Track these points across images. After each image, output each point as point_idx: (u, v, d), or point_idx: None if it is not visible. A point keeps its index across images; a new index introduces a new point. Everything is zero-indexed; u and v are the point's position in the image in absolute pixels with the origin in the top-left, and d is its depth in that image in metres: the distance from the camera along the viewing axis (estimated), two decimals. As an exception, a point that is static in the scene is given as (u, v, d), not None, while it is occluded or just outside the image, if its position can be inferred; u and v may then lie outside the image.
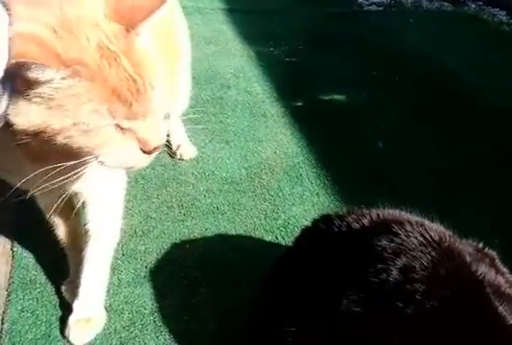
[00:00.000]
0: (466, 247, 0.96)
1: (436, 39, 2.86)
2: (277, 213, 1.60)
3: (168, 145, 1.84)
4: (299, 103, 2.20)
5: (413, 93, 2.30)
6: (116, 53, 0.77)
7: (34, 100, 0.74)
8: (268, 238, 1.51)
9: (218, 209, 1.61)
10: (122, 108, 0.77)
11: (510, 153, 1.91)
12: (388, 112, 2.16)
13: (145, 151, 0.82)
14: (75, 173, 0.83)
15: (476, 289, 0.86)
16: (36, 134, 0.76)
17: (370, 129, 2.04)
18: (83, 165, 0.82)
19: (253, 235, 1.52)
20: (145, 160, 0.85)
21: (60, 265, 1.33)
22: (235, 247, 1.47)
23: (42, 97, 0.74)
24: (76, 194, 1.10)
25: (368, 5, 3.40)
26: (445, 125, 2.08)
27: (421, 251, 0.91)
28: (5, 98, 0.75)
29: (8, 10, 0.74)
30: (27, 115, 0.75)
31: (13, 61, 0.71)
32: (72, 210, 1.16)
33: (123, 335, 1.22)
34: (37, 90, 0.73)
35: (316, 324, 0.94)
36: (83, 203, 1.13)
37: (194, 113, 2.07)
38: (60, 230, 1.31)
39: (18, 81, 0.73)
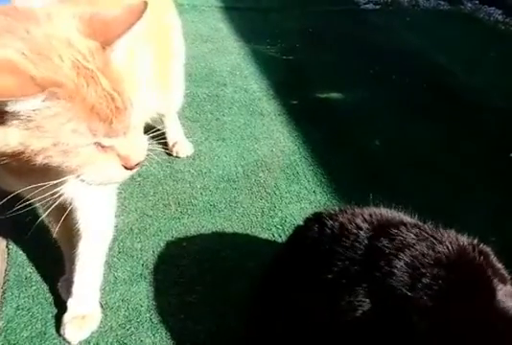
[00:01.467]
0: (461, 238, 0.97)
1: (433, 38, 2.87)
2: (274, 210, 1.60)
3: (164, 142, 1.84)
4: (296, 101, 2.20)
5: (410, 91, 2.31)
6: (93, 71, 0.75)
7: (10, 122, 0.72)
8: (265, 235, 1.51)
9: (214, 207, 1.61)
10: (102, 126, 0.75)
11: (507, 152, 1.91)
12: (385, 110, 2.16)
13: (127, 168, 0.82)
14: (58, 189, 0.83)
15: (478, 272, 0.89)
16: (15, 155, 0.75)
17: (367, 127, 2.04)
18: (65, 183, 0.81)
19: (250, 233, 1.52)
20: (126, 175, 0.84)
21: (56, 263, 1.32)
22: (231, 245, 1.47)
23: (20, 119, 0.72)
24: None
25: (365, 3, 3.40)
26: (441, 123, 2.09)
27: (420, 245, 0.92)
28: None
29: None
30: (4, 138, 0.73)
31: None
32: (65, 208, 1.16)
33: (119, 333, 1.22)
34: (14, 114, 0.71)
35: (317, 321, 0.94)
36: (66, 199, 1.12)
37: (190, 111, 2.07)
38: (55, 228, 1.30)
39: None
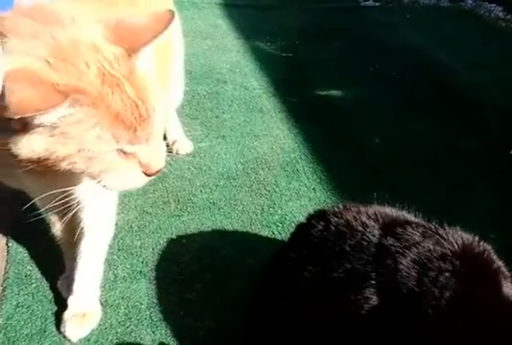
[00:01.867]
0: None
1: (433, 35, 2.86)
2: (274, 208, 1.60)
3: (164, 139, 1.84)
4: (296, 99, 2.19)
5: (410, 88, 2.30)
6: (119, 79, 0.76)
7: (36, 130, 0.73)
8: (265, 233, 1.51)
9: (214, 204, 1.61)
10: (126, 134, 0.76)
11: (507, 149, 1.91)
12: (385, 108, 2.15)
13: (147, 175, 0.83)
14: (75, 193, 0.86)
15: (483, 266, 0.91)
16: (41, 161, 0.76)
17: (367, 125, 2.04)
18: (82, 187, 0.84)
19: (250, 230, 1.51)
20: (145, 181, 0.85)
21: (56, 261, 1.32)
22: (231, 242, 1.47)
23: (45, 126, 0.73)
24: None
25: (365, 0, 3.39)
26: (441, 120, 2.08)
27: (427, 243, 0.93)
28: None
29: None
30: (30, 145, 0.74)
31: (13, 115, 0.68)
32: (66, 208, 1.16)
33: (119, 330, 1.22)
34: (39, 122, 0.72)
35: (321, 318, 0.94)
36: (77, 200, 1.12)
37: (190, 108, 2.07)
38: (55, 226, 1.30)
39: (17, 123, 0.72)
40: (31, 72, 0.71)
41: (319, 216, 1.12)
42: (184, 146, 1.83)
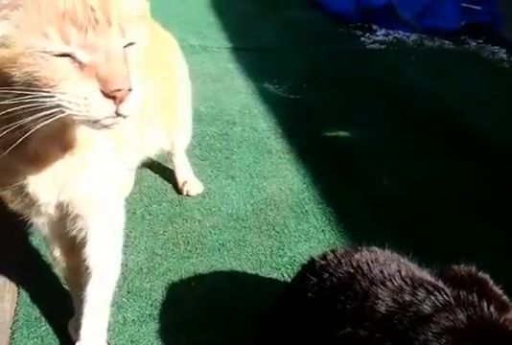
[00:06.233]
0: None
1: (438, 77, 2.91)
2: (283, 250, 1.60)
3: (174, 180, 1.87)
4: (304, 140, 2.23)
5: (416, 130, 2.33)
6: None
7: None
8: (275, 275, 1.51)
9: (223, 246, 1.61)
10: (76, 34, 0.72)
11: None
12: (392, 149, 2.18)
13: (106, 94, 0.74)
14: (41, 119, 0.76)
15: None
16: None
17: (375, 166, 2.06)
18: (46, 111, 0.75)
19: (259, 272, 1.51)
20: (109, 110, 0.75)
21: (66, 303, 1.32)
22: (241, 285, 1.47)
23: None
24: (76, 229, 1.12)
25: (370, 43, 3.48)
26: (448, 161, 2.10)
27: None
28: None
29: None
30: None
31: None
32: (72, 246, 1.17)
33: (127, 375, 1.21)
34: None
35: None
36: (83, 239, 1.13)
37: (200, 149, 2.10)
38: (62, 267, 1.31)
39: None
40: None
41: (324, 259, 1.13)
42: (194, 187, 1.85)
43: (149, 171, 1.91)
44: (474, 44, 3.49)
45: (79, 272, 1.25)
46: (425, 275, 1.06)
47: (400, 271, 1.04)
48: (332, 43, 3.42)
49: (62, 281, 1.40)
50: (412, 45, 3.48)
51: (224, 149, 2.13)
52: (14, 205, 1.05)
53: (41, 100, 0.74)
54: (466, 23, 3.62)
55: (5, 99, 0.77)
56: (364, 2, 3.74)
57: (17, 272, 1.44)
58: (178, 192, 1.85)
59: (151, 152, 1.59)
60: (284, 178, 1.96)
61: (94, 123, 0.77)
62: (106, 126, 0.78)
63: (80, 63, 0.73)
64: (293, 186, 1.91)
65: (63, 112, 0.75)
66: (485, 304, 0.89)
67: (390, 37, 3.56)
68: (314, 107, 2.53)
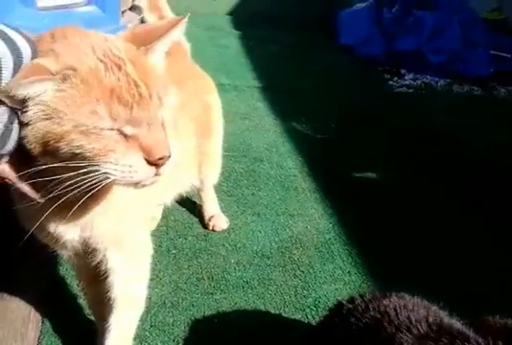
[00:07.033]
0: None
1: (466, 122, 2.92)
2: (308, 290, 1.58)
3: (201, 215, 1.88)
4: (331, 179, 2.23)
5: (445, 175, 2.32)
6: (120, 58, 0.80)
7: (33, 115, 0.77)
8: (298, 316, 1.48)
9: (247, 283, 1.60)
10: (123, 111, 0.78)
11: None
12: (419, 191, 2.17)
13: (149, 162, 0.81)
14: (86, 186, 0.81)
15: None
16: (43, 145, 0.78)
17: (402, 208, 2.04)
18: (91, 178, 0.80)
19: (283, 312, 1.49)
20: (151, 173, 0.82)
21: (90, 333, 1.31)
22: (264, 324, 1.44)
23: (39, 104, 0.77)
24: (99, 262, 1.12)
25: (398, 87, 3.52)
26: (479, 205, 2.08)
27: None
28: (14, 130, 0.78)
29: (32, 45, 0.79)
30: (34, 133, 0.78)
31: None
32: (97, 277, 1.17)
33: None
34: (33, 102, 0.76)
35: None
36: (109, 271, 1.14)
37: (227, 185, 2.12)
38: (88, 298, 1.31)
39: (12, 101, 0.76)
40: (35, 64, 0.77)
41: (351, 303, 1.11)
42: (220, 222, 1.86)
43: (176, 204, 1.93)
44: (503, 90, 3.51)
45: (103, 303, 1.25)
46: (454, 323, 1.03)
47: (427, 318, 1.01)
48: (360, 86, 3.47)
49: (87, 311, 1.40)
50: (441, 90, 3.51)
51: (251, 185, 2.15)
52: (41, 238, 1.06)
53: (89, 168, 0.79)
54: (495, 70, 3.65)
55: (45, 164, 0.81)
56: (394, 46, 3.81)
57: (42, 301, 1.44)
58: (204, 226, 1.85)
59: (183, 189, 1.61)
60: (310, 217, 1.95)
61: (135, 184, 0.84)
62: (146, 185, 0.85)
63: (125, 136, 0.79)
64: (319, 225, 1.90)
65: (108, 178, 0.80)
66: None
67: (418, 82, 3.60)
68: (342, 147, 2.54)
